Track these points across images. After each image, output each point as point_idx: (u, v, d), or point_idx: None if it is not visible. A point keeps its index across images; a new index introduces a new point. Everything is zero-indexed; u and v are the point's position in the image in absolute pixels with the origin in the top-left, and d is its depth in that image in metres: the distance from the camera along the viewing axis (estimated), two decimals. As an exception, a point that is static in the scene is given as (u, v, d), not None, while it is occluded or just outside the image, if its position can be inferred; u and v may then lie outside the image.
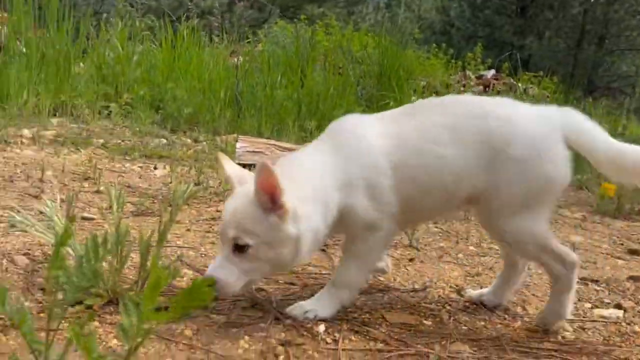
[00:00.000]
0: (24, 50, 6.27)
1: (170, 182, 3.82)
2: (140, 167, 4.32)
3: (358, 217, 1.91)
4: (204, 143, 5.66)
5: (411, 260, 2.72)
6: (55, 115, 5.89)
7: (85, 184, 3.53)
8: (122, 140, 5.23)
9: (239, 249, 1.78)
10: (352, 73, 7.54)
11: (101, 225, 2.70)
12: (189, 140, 5.80)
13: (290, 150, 4.95)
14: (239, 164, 4.65)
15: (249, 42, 8.93)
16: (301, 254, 1.84)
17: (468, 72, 10.78)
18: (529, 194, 1.87)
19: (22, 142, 4.50)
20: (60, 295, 1.14)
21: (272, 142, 5.06)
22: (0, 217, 2.57)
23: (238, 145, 4.80)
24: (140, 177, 3.99)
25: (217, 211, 3.22)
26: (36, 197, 3.06)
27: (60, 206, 2.15)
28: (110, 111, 6.25)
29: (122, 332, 1.05)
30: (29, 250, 2.18)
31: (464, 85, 9.64)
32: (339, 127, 2.04)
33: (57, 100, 6.00)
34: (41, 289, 1.88)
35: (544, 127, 1.91)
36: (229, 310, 1.93)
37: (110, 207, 1.91)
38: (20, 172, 3.59)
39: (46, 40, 6.35)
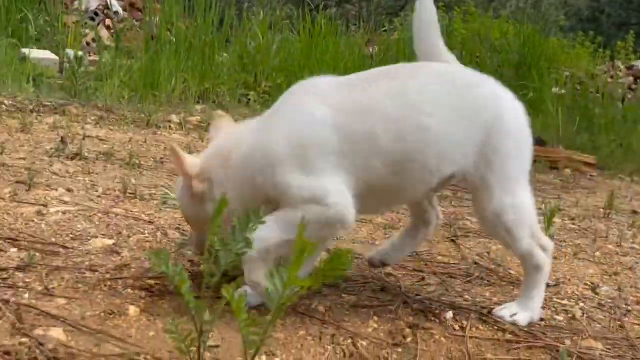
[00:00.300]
0: (173, 40, 6.72)
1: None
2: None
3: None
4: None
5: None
6: (199, 102, 6.27)
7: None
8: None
9: None
10: (490, 62, 7.35)
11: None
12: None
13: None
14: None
15: (385, 31, 8.96)
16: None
17: (617, 63, 10.10)
18: (520, 167, 1.79)
19: (170, 127, 4.85)
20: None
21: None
22: (154, 195, 2.81)
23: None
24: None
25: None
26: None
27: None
28: (249, 99, 6.56)
29: (267, 297, 1.15)
30: (179, 225, 2.38)
31: (611, 77, 9.07)
32: (288, 91, 1.81)
33: (202, 87, 6.37)
34: (190, 261, 2.05)
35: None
36: (359, 291, 2.00)
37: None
38: (170, 154, 3.88)
39: (194, 30, 6.76)
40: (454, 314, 1.88)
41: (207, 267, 1.21)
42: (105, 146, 3.65)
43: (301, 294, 1.13)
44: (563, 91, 7.86)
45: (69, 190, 2.64)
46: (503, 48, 7.81)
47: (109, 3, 7.90)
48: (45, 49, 6.61)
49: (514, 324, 1.82)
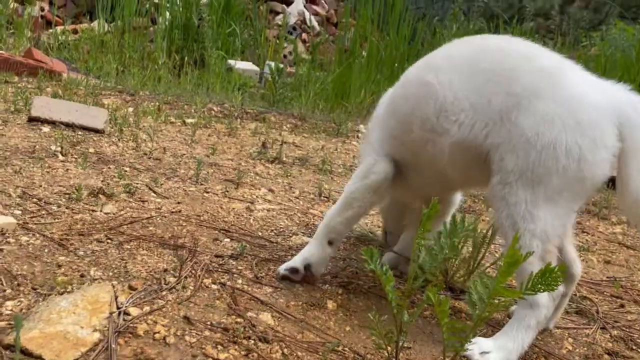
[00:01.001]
0: (365, 53, 6.94)
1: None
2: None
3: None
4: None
5: None
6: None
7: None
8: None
9: None
10: None
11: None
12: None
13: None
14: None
15: (584, 46, 8.49)
16: None
17: None
18: (549, 167, 1.54)
19: (358, 137, 5.02)
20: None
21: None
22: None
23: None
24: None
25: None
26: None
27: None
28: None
29: (471, 304, 1.18)
30: (378, 225, 2.48)
31: None
32: None
33: (389, 99, 6.51)
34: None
35: (599, 99, 1.56)
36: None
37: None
38: (358, 162, 4.03)
39: (386, 43, 6.93)
40: (662, 346, 1.77)
41: (413, 269, 1.28)
42: (300, 152, 3.89)
43: (507, 303, 1.16)
44: None
45: (270, 190, 2.87)
46: None
47: (306, 18, 8.37)
48: (248, 60, 7.18)
49: None
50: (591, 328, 1.85)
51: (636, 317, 2.00)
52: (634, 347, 1.75)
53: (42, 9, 7.50)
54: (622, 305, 2.10)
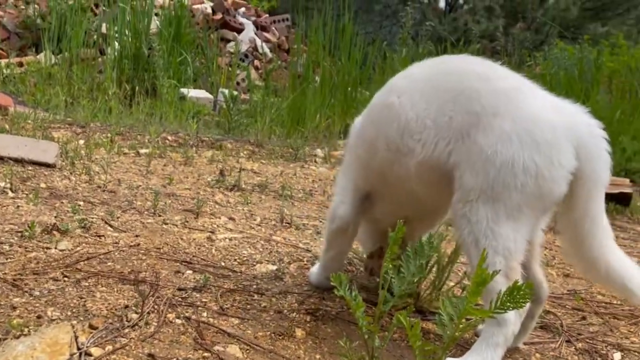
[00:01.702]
0: (318, 78, 6.99)
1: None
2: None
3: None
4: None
5: None
6: (341, 137, 6.45)
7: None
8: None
9: None
10: (643, 95, 6.94)
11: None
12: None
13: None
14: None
15: (529, 66, 8.75)
16: None
17: None
18: (508, 184, 1.54)
19: (315, 161, 5.03)
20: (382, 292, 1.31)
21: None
22: (306, 224, 2.94)
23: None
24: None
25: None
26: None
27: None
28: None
29: (440, 325, 1.18)
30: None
31: None
32: None
33: (345, 122, 6.56)
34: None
35: (555, 117, 1.58)
36: (518, 327, 1.96)
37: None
38: (317, 186, 4.03)
39: (338, 68, 7.00)
40: (622, 356, 1.80)
41: (382, 293, 1.27)
42: (258, 178, 3.86)
43: (475, 323, 1.15)
44: None
45: (231, 218, 2.83)
46: (658, 79, 7.34)
47: (258, 45, 8.40)
48: (201, 88, 7.14)
49: None
50: (557, 342, 1.87)
51: (598, 329, 2.03)
52: (598, 359, 1.77)
53: (-14, 43, 7.33)
54: (584, 318, 2.14)
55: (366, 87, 7.62)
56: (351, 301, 1.25)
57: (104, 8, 7.96)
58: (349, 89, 6.81)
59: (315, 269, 2.11)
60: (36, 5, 7.74)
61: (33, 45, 7.48)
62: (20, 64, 6.93)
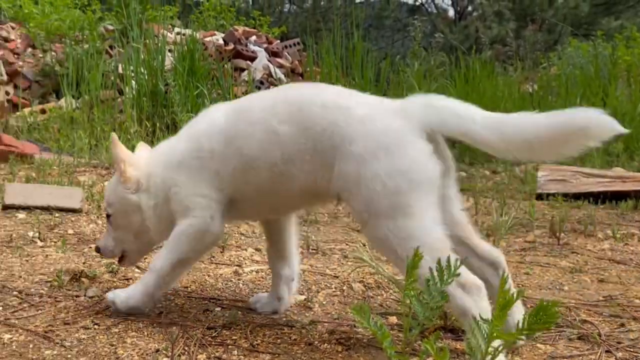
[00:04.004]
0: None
1: (475, 215, 3.90)
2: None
3: (174, 198, 1.92)
4: (503, 174, 5.66)
5: None
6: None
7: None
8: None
9: (108, 218, 2.06)
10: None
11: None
12: (487, 172, 5.85)
13: (595, 176, 4.69)
14: (540, 194, 4.48)
15: (544, 68, 8.68)
16: (151, 226, 1.98)
17: None
18: (386, 192, 1.64)
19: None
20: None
21: (575, 168, 4.83)
22: (333, 249, 2.93)
23: (539, 174, 4.70)
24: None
25: (526, 241, 3.20)
26: (358, 230, 3.41)
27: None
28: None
29: (469, 350, 1.16)
30: (362, 278, 2.45)
31: None
32: None
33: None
34: (380, 314, 2.11)
35: (395, 122, 1.70)
36: (554, 340, 1.93)
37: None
38: (342, 208, 4.02)
39: (352, 86, 7.02)
40: (666, 364, 1.75)
41: (406, 322, 1.25)
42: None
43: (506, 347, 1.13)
44: None
45: (257, 249, 2.83)
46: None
47: (272, 71, 8.47)
48: (218, 119, 7.20)
49: None
50: (596, 353, 1.82)
51: (638, 335, 1.98)
52: (641, 368, 1.73)
53: (8, 93, 7.50)
54: (622, 325, 2.08)
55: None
56: (377, 332, 1.24)
57: (118, 49, 8.11)
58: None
59: (136, 292, 1.95)
60: (53, 53, 7.91)
61: (54, 92, 7.63)
62: (43, 111, 7.08)
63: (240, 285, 2.33)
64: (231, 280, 2.37)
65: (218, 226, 1.90)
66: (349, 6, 16.44)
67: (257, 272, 2.50)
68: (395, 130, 1.69)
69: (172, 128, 6.65)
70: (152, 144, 6.22)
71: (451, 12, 19.80)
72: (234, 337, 1.86)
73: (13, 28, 8.81)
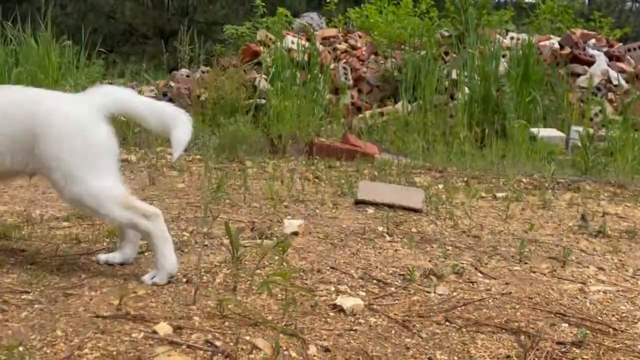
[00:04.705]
0: None
1: None
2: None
3: None
4: None
5: None
6: None
7: None
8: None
9: None
10: None
11: None
12: None
13: None
14: None
15: None
16: None
17: None
18: (75, 163, 2.18)
19: None
20: None
21: None
22: None
23: None
24: None
25: None
26: None
27: None
28: None
29: None
30: None
31: None
32: None
33: None
34: None
35: (81, 109, 2.26)
36: None
37: None
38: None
39: None
40: None
41: None
42: (625, 224, 3.60)
43: None
44: None
45: (600, 268, 2.69)
46: None
47: (611, 77, 7.85)
48: (550, 126, 6.95)
49: (155, 284, 2.16)
50: None
51: None
52: None
53: (352, 97, 8.32)
54: None
55: None
56: None
57: (453, 55, 8.38)
58: None
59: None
60: (393, 59, 8.53)
61: (392, 96, 8.23)
62: (382, 114, 7.70)
63: (587, 304, 2.24)
64: (577, 298, 2.30)
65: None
66: None
67: (604, 292, 2.37)
68: (82, 115, 2.24)
69: (502, 134, 6.64)
70: (480, 150, 6.31)
71: None
72: (584, 357, 1.81)
73: (360, 37, 9.74)
